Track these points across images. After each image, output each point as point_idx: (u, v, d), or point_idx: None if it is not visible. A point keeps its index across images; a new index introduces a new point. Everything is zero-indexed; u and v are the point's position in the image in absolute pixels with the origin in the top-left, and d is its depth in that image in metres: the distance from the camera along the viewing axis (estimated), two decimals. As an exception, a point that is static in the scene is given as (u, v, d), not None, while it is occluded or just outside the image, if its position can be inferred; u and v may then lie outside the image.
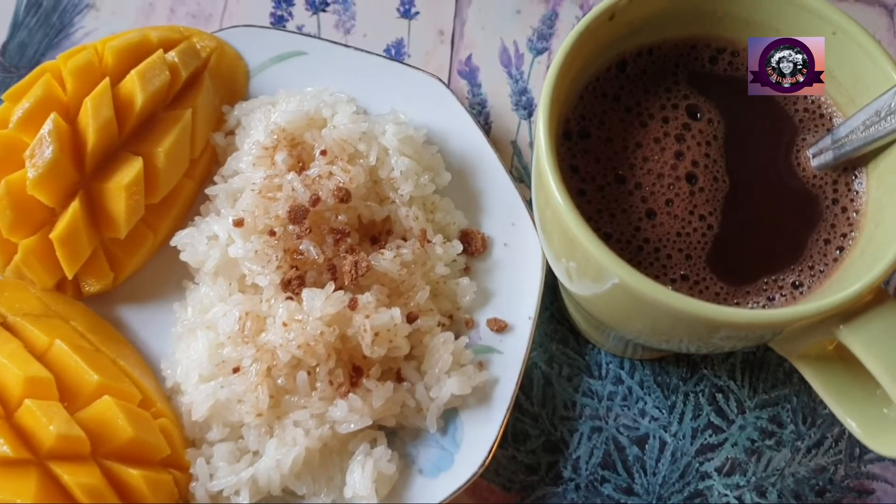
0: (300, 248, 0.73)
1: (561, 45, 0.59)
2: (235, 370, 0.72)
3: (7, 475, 0.65)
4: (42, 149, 0.73)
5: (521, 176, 0.87)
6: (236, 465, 0.71)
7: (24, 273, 0.77)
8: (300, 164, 0.77)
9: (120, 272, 0.79)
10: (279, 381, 0.70)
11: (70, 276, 0.76)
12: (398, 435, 0.74)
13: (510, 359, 0.75)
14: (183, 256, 0.76)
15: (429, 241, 0.77)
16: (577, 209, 0.54)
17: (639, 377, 0.80)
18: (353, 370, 0.72)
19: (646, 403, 0.79)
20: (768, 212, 0.61)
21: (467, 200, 0.82)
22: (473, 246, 0.79)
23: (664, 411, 0.78)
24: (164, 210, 0.79)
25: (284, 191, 0.74)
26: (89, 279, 0.78)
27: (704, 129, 0.62)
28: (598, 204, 0.60)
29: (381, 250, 0.74)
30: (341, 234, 0.74)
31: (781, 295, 0.58)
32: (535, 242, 0.78)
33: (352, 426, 0.70)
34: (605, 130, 0.62)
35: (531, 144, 0.89)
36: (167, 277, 0.80)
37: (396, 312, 0.71)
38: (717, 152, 0.62)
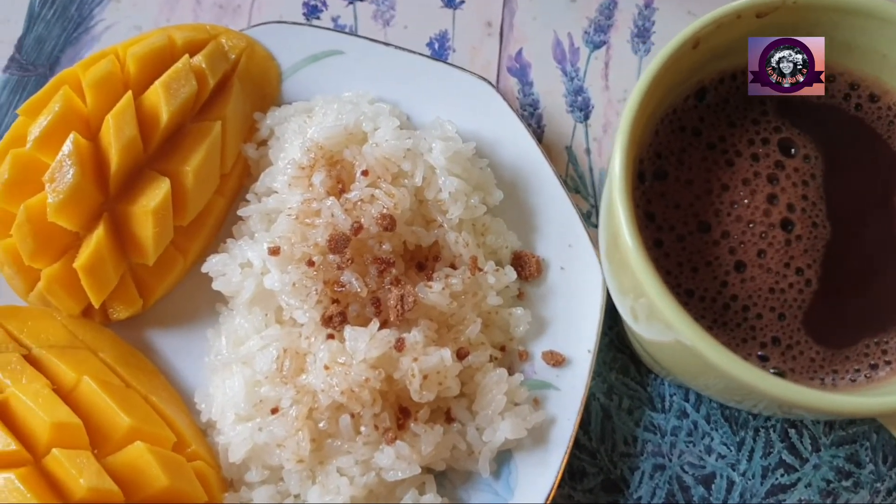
0: (341, 279, 0.67)
1: (640, 78, 0.52)
2: (274, 411, 0.67)
3: (37, 527, 0.62)
4: (62, 172, 0.67)
5: (576, 186, 0.80)
6: (277, 512, 0.67)
7: (48, 300, 0.72)
8: (339, 186, 0.71)
9: (149, 297, 0.74)
10: (321, 424, 0.66)
11: (97, 305, 0.71)
12: (447, 477, 0.70)
13: (568, 396, 0.70)
14: (216, 285, 0.71)
15: (480, 270, 0.71)
16: (655, 269, 0.48)
17: (705, 411, 0.74)
18: (399, 411, 0.67)
19: (712, 439, 0.73)
20: (873, 262, 0.54)
21: (520, 219, 0.75)
22: (527, 270, 0.73)
23: (732, 448, 0.73)
24: (194, 231, 0.74)
25: (323, 216, 0.68)
26: (117, 305, 0.73)
27: (800, 166, 0.55)
28: (678, 257, 0.54)
29: (429, 282, 0.68)
30: (386, 265, 0.68)
31: (885, 361, 0.52)
32: (595, 267, 0.72)
33: (399, 474, 0.65)
34: (685, 170, 0.56)
35: (588, 151, 0.82)
36: (199, 300, 0.75)
37: (447, 354, 0.65)
38: (816, 194, 0.55)
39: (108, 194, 0.70)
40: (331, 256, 0.68)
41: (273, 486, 0.68)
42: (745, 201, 0.55)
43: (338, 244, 0.67)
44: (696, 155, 0.56)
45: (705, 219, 0.55)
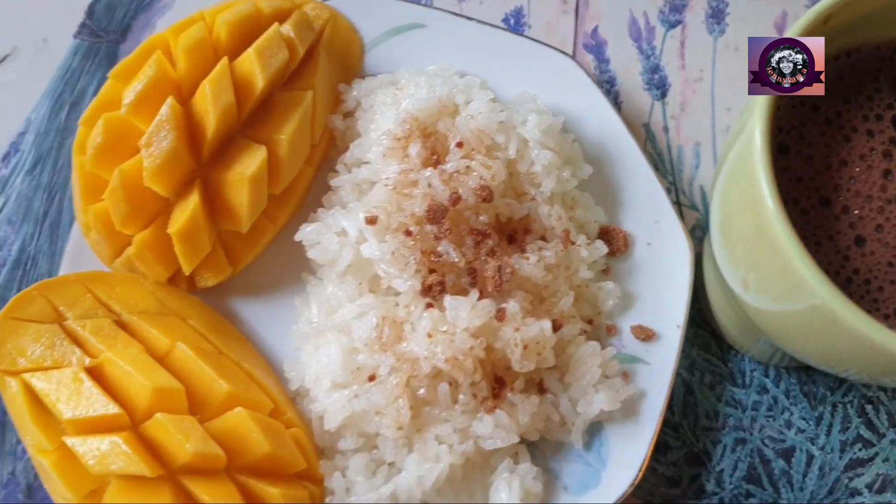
0: (438, 249, 0.68)
1: (774, 53, 0.52)
2: (371, 378, 0.67)
3: (138, 490, 0.62)
4: (160, 137, 0.67)
5: (654, 163, 0.81)
6: (374, 479, 0.67)
7: (135, 266, 0.72)
8: (434, 157, 0.71)
9: (237, 265, 0.74)
10: (420, 392, 0.66)
11: (188, 272, 0.71)
12: (538, 448, 0.70)
13: (658, 371, 0.71)
14: (311, 254, 0.71)
15: (572, 243, 0.71)
16: (797, 232, 0.49)
17: (784, 386, 0.75)
18: (495, 381, 0.68)
19: (791, 414, 0.75)
20: None
21: (605, 194, 0.76)
22: (615, 245, 0.74)
23: (811, 423, 0.74)
24: (285, 200, 0.74)
25: (420, 187, 0.68)
26: (205, 273, 0.73)
27: (913, 143, 0.56)
28: (801, 230, 0.55)
29: (525, 253, 0.69)
30: (482, 236, 0.68)
31: None
32: (683, 243, 0.73)
33: (498, 443, 0.66)
34: (806, 145, 0.56)
35: (665, 129, 0.83)
36: (283, 269, 0.76)
37: (547, 325, 0.66)
38: (927, 170, 0.56)
39: (200, 161, 0.70)
40: (428, 227, 0.68)
41: (367, 453, 0.68)
42: (863, 176, 0.55)
43: (436, 214, 0.67)
44: (814, 130, 0.57)
45: (826, 193, 0.55)
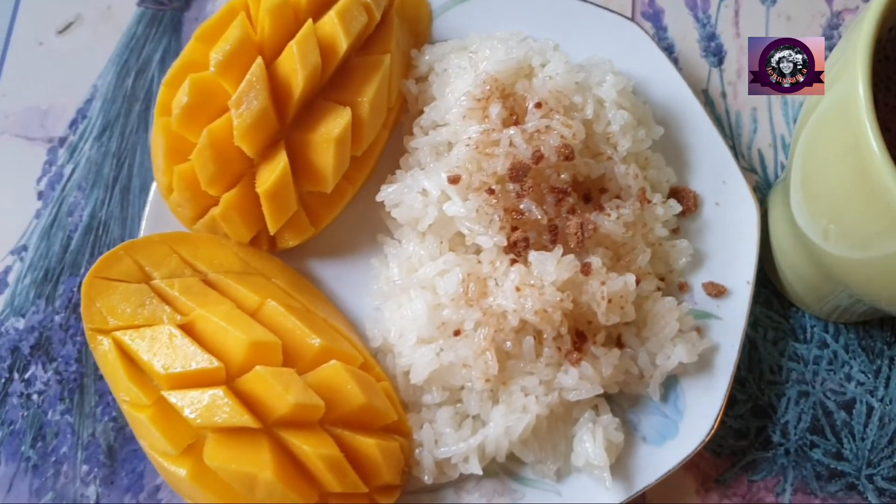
0: (521, 207, 0.69)
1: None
2: (456, 333, 0.69)
3: (237, 443, 0.63)
4: (249, 97, 0.68)
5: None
6: (461, 431, 0.69)
7: (217, 227, 0.73)
8: (513, 118, 0.73)
9: (318, 226, 0.75)
10: (507, 345, 0.68)
11: (273, 232, 0.72)
12: (615, 401, 0.73)
13: (730, 325, 0.73)
14: (395, 213, 0.72)
15: (648, 202, 0.73)
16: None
17: (843, 341, 0.78)
18: (576, 335, 0.70)
19: (851, 368, 0.77)
20: None
21: (674, 156, 0.78)
22: (685, 204, 0.76)
23: (870, 376, 0.77)
24: (364, 162, 0.75)
25: (502, 146, 0.70)
26: (287, 234, 0.74)
27: None
28: (891, 178, 0.57)
29: (606, 211, 0.71)
30: (563, 194, 0.70)
31: None
32: (750, 202, 0.75)
33: (582, 394, 0.68)
34: (892, 97, 0.59)
35: (724, 94, 0.85)
36: (359, 230, 0.77)
37: (631, 279, 0.68)
38: None
39: (284, 122, 0.71)
40: (509, 185, 0.70)
41: (451, 407, 0.70)
42: (948, 129, 0.58)
43: (518, 173, 0.69)
44: (900, 84, 0.59)
45: (913, 144, 0.58)
